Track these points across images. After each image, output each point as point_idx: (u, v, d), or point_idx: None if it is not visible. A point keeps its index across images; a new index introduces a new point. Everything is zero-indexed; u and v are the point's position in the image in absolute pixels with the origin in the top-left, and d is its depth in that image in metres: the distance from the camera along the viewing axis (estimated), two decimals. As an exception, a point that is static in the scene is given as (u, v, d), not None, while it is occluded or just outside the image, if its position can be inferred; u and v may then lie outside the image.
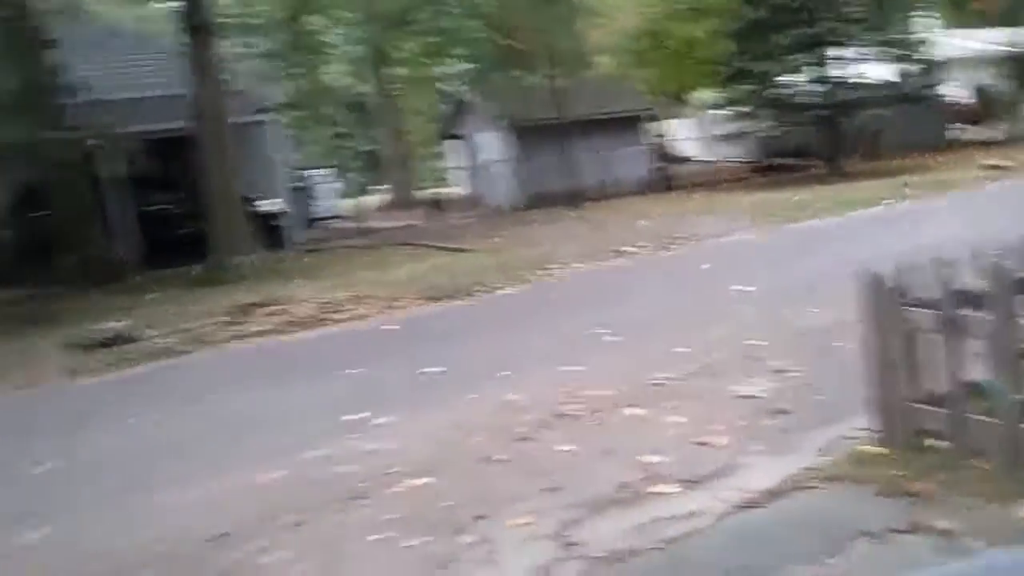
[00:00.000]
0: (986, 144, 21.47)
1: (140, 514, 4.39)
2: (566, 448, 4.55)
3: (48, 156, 12.10)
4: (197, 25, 13.34)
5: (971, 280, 3.48)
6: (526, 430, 4.85)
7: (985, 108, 23.93)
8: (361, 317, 9.30)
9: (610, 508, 3.81)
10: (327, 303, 9.88)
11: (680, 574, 3.27)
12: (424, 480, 4.31)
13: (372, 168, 33.15)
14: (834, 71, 19.75)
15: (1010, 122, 22.53)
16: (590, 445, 4.55)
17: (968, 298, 3.45)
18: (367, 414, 5.39)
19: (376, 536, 3.76)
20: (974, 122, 23.77)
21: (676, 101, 27.89)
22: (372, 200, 26.62)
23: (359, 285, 10.90)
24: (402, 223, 20.39)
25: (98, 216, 13.87)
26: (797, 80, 19.95)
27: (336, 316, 9.39)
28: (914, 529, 3.10)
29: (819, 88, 19.83)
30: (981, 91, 23.72)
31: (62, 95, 12.99)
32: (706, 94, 25.10)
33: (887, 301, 3.66)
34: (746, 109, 20.80)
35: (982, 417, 3.48)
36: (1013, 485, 3.25)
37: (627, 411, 4.97)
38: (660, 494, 3.88)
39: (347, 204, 24.75)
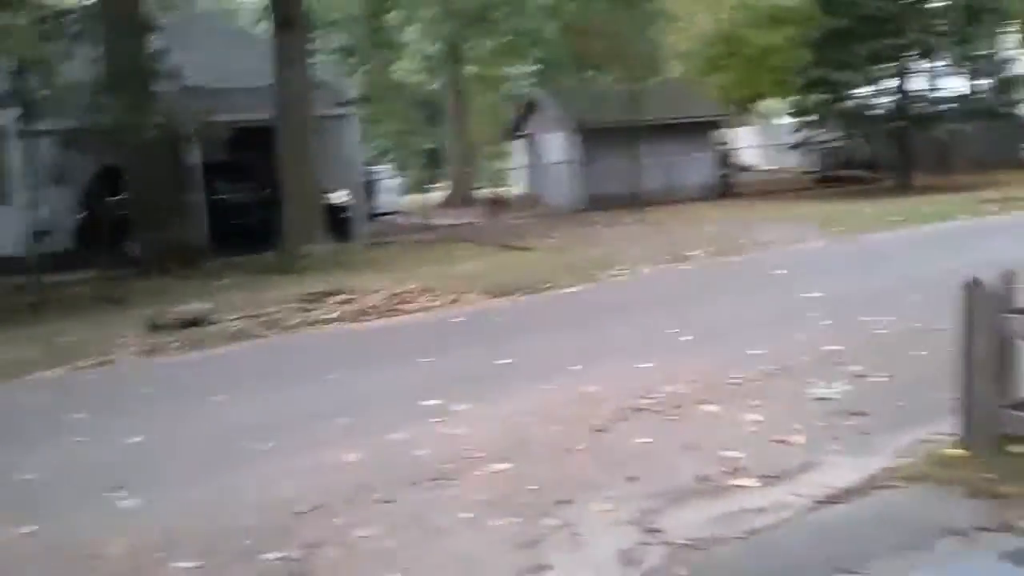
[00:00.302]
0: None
1: (228, 487, 4.55)
2: (644, 440, 4.66)
3: (136, 139, 12.53)
4: (285, 18, 13.73)
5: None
6: (602, 422, 4.98)
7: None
8: (428, 308, 9.51)
9: (691, 499, 3.92)
10: (395, 294, 10.11)
11: (764, 563, 3.36)
12: (505, 466, 4.46)
13: (434, 165, 33.56)
14: (912, 84, 19.48)
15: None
16: (668, 439, 4.66)
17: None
18: (443, 401, 5.57)
19: (464, 515, 3.92)
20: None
21: (743, 109, 27.70)
22: (432, 197, 26.97)
23: (425, 278, 11.13)
24: (462, 220, 20.66)
25: (176, 201, 14.32)
26: (873, 91, 19.72)
27: (405, 307, 9.61)
28: (1003, 528, 3.15)
29: (894, 100, 19.57)
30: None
31: (157, 81, 13.45)
32: (775, 103, 24.90)
33: (986, 306, 3.71)
34: (815, 118, 20.61)
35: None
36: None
37: (704, 408, 5.07)
38: (740, 487, 3.98)
39: (407, 200, 25.11)
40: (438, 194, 28.64)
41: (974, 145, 20.77)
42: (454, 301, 9.75)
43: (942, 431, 4.02)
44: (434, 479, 4.37)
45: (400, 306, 9.65)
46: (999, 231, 11.56)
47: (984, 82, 21.37)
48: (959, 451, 3.82)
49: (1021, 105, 22.34)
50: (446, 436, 4.98)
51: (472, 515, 3.91)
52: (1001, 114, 21.26)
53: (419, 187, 28.41)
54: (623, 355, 6.37)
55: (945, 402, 4.02)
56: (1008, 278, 3.75)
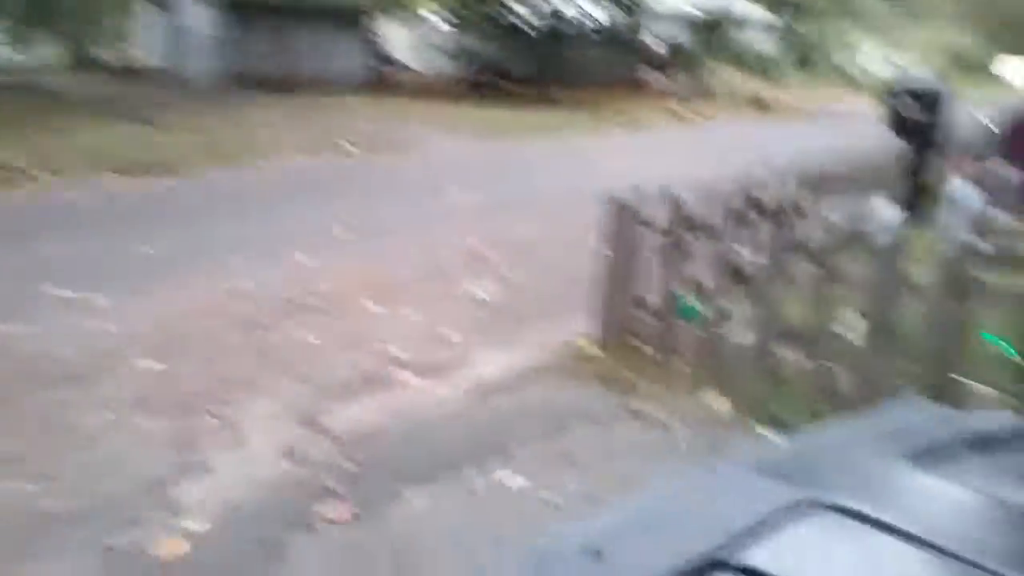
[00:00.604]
0: (670, 93, 23.93)
1: None
2: (305, 338, 4.66)
3: None
4: None
5: (694, 208, 4.10)
6: (262, 319, 4.87)
7: (674, 61, 26.53)
8: (47, 188, 8.44)
9: (354, 394, 4.03)
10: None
11: (424, 452, 3.57)
12: (156, 363, 4.21)
13: (40, 19, 29.04)
14: (564, 9, 20.94)
15: (693, 78, 25.21)
16: (330, 336, 4.70)
17: (691, 224, 4.07)
18: (74, 292, 5.05)
19: (110, 416, 3.65)
20: (663, 70, 26.27)
21: (397, 5, 27.58)
22: (40, 55, 23.49)
23: (36, 152, 9.79)
24: (78, 84, 18.36)
25: None
26: (529, 11, 20.84)
27: (17, 185, 8.43)
28: (629, 415, 3.68)
29: (546, 22, 20.88)
30: (674, 46, 26.17)
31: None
32: (431, 4, 25.13)
33: (624, 219, 4.19)
34: (461, 21, 21.37)
35: (682, 324, 4.17)
36: (705, 381, 3.95)
37: (365, 305, 5.17)
38: (401, 382, 4.16)
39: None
40: (52, 53, 24.99)
41: (604, 66, 23.01)
42: (80, 181, 8.73)
43: (581, 330, 4.52)
44: (72, 377, 4.00)
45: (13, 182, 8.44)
46: (630, 149, 12.99)
47: (622, 12, 23.64)
48: (595, 347, 4.35)
49: (643, 35, 25.08)
50: (81, 332, 4.55)
51: (118, 416, 3.66)
52: (627, 42, 23.72)
53: (24, 45, 24.49)
54: (279, 250, 6.23)
55: (585, 303, 4.52)
56: (639, 193, 4.25)
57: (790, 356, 3.84)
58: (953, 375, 3.30)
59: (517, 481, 3.21)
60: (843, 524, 0.82)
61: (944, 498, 0.92)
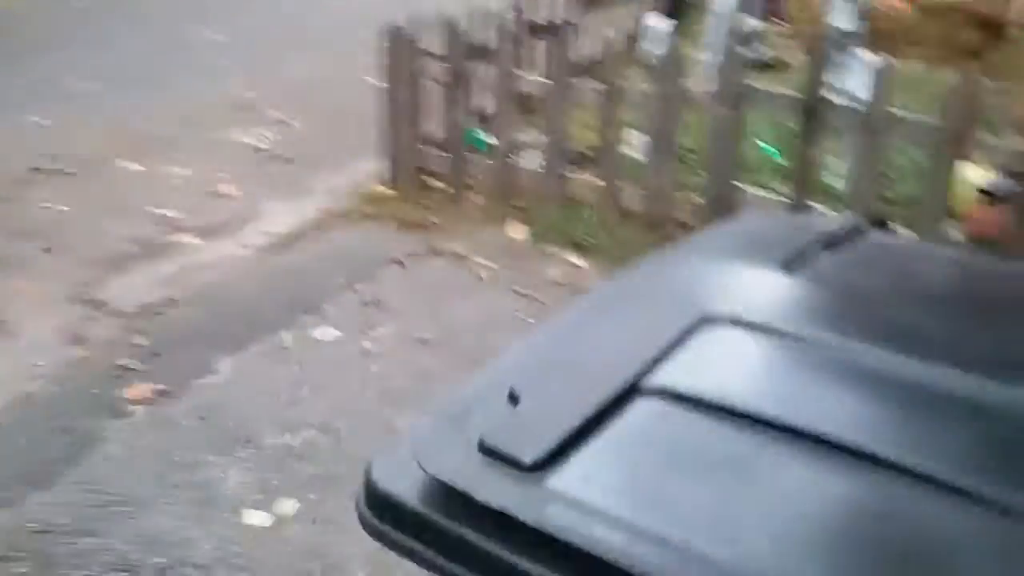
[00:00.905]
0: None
1: None
2: (58, 207, 4.20)
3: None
4: None
5: (471, 33, 4.00)
6: (1, 191, 4.33)
7: None
8: None
9: (130, 264, 3.74)
10: None
11: (221, 316, 3.41)
12: None
13: None
14: None
15: None
16: (87, 202, 4.27)
17: (470, 50, 3.98)
18: None
19: None
20: None
21: None
22: None
23: None
24: None
25: None
26: None
27: None
28: (431, 254, 3.69)
29: None
30: None
31: None
32: None
33: (401, 50, 4.02)
34: None
35: (473, 155, 4.16)
36: (500, 212, 4.01)
37: (122, 165, 4.71)
38: (182, 245, 3.90)
39: None
40: None
41: None
42: None
43: (370, 171, 4.40)
44: None
45: None
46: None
47: None
48: (387, 189, 4.26)
49: None
50: None
51: None
52: None
53: None
54: (9, 112, 5.47)
55: (371, 144, 4.37)
56: (420, 23, 4.09)
57: (580, 178, 3.96)
58: (735, 182, 3.55)
59: (330, 333, 3.16)
60: (743, 336, 0.87)
61: (817, 296, 1.01)
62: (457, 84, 4.07)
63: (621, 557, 0.67)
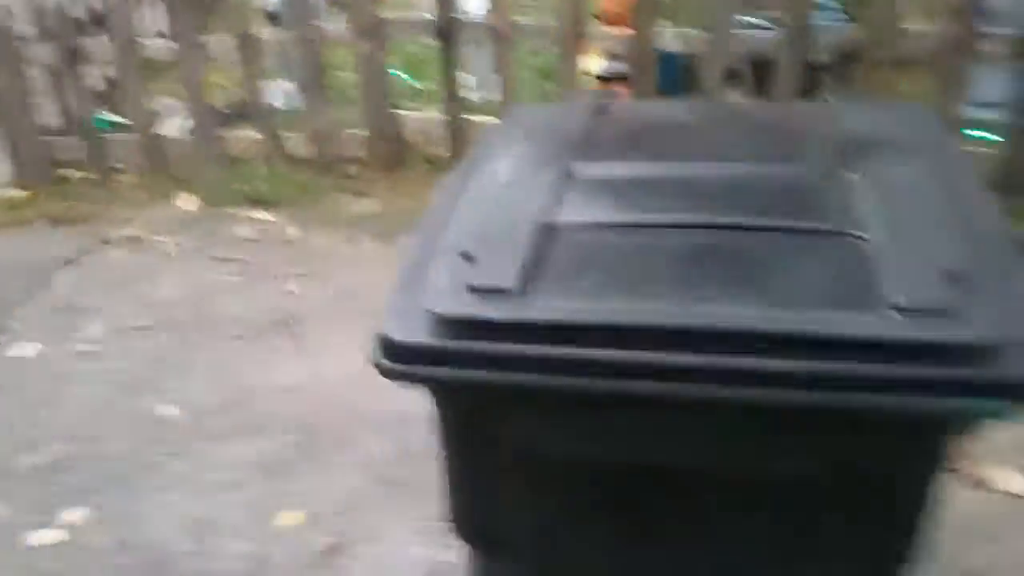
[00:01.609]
0: None
1: None
2: None
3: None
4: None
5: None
6: None
7: None
8: None
9: None
10: None
11: None
12: None
13: None
14: None
15: None
16: None
17: (78, 25, 3.81)
18: None
19: None
20: None
21: None
22: None
23: None
24: None
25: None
26: None
27: None
28: (103, 245, 3.56)
29: None
30: None
31: None
32: None
33: (3, 37, 3.71)
34: None
35: (108, 137, 4.01)
36: (161, 187, 3.93)
37: None
38: None
39: None
40: None
41: None
42: None
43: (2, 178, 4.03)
44: None
45: None
46: None
47: None
48: (21, 190, 3.95)
49: None
50: None
51: None
52: None
53: None
54: None
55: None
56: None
57: (237, 135, 4.00)
58: (391, 111, 3.85)
59: (30, 348, 2.98)
60: (598, 185, 1.22)
61: (621, 142, 1.39)
62: (68, 64, 3.86)
63: (606, 318, 0.99)
